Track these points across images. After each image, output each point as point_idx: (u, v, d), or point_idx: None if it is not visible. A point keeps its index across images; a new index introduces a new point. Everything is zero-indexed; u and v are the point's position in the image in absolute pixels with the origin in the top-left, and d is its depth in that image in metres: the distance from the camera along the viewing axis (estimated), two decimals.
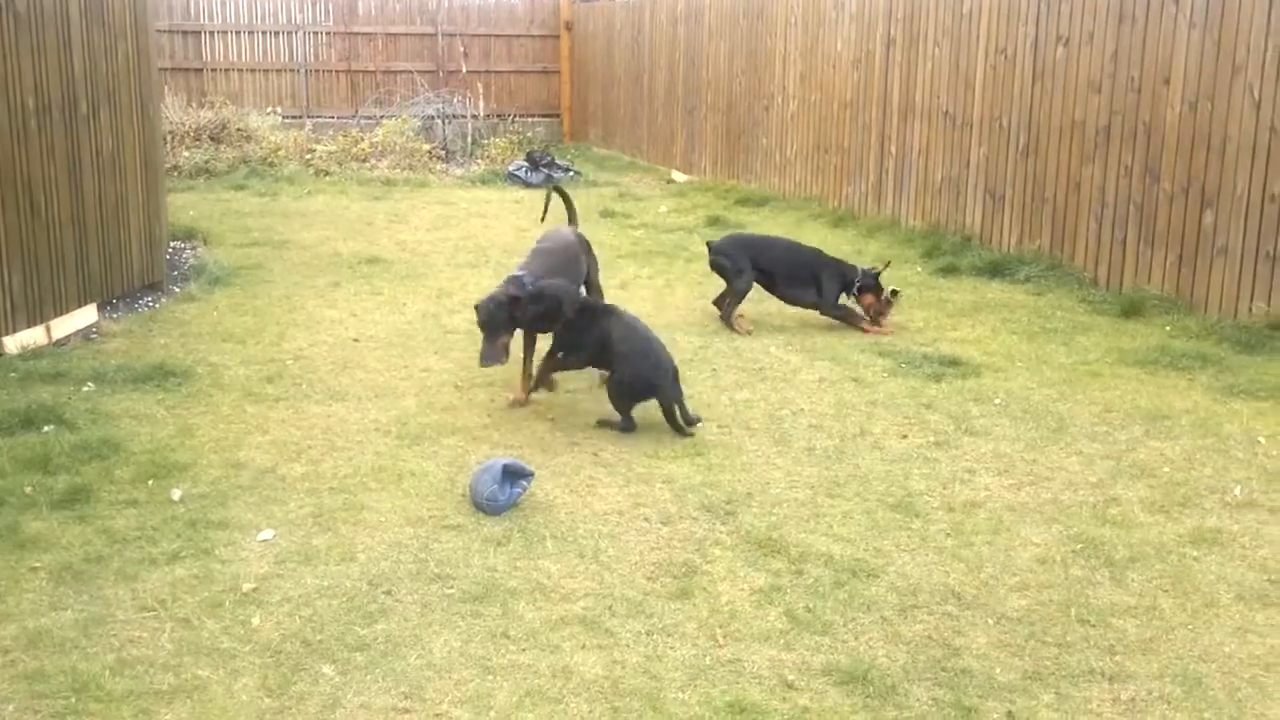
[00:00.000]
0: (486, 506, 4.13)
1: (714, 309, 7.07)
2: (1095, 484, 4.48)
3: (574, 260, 5.92)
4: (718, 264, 7.00)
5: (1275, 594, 3.62)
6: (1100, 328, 6.77)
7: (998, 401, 5.44)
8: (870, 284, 6.77)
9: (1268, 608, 3.53)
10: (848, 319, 6.84)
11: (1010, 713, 2.99)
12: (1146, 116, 7.24)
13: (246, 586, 3.56)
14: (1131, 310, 6.98)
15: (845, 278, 6.88)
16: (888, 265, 7.09)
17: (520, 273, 5.38)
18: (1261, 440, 4.91)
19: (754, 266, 6.91)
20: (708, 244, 7.19)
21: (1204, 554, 3.88)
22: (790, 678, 3.13)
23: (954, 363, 6.04)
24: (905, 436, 4.99)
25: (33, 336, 6.14)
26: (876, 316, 6.78)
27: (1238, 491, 4.38)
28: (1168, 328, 6.67)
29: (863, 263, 8.12)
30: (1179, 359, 6.03)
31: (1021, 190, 8.41)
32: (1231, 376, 5.74)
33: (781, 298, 7.00)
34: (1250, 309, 6.49)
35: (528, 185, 13.48)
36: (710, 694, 3.05)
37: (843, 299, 6.89)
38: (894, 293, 6.84)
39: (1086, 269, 7.76)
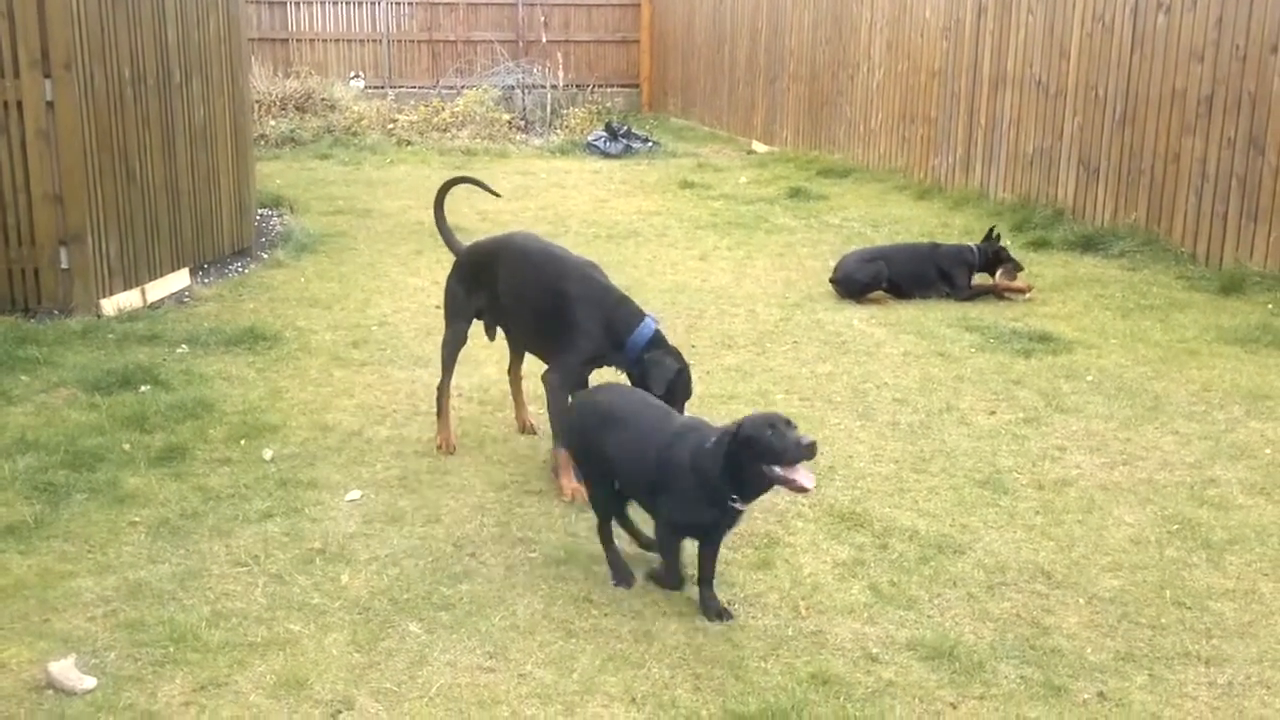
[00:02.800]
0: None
1: (793, 280, 7.00)
2: (1192, 464, 4.34)
3: None
4: (853, 284, 6.80)
5: None
6: (1198, 305, 6.55)
7: (1090, 379, 5.30)
8: (996, 258, 6.89)
9: None
10: (984, 292, 6.84)
11: (1102, 693, 2.92)
12: (1251, 86, 6.96)
13: (316, 545, 3.63)
14: (1232, 287, 6.74)
15: (968, 261, 6.87)
16: (994, 232, 7.11)
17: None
18: None
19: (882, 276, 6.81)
20: (831, 280, 6.97)
21: None
22: (874, 651, 3.10)
23: (1044, 338, 5.90)
24: (993, 413, 4.89)
25: (129, 299, 6.32)
26: (1010, 285, 6.85)
27: None
28: (1270, 305, 6.43)
29: (949, 238, 8.00)
30: None
31: (1117, 162, 8.16)
32: None
33: (909, 297, 6.87)
34: None
35: (606, 156, 13.47)
36: (793, 664, 3.03)
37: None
38: (997, 235, 7.04)
39: (1184, 244, 7.51)
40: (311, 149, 13.00)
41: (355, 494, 4.01)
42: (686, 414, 3.78)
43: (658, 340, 4.02)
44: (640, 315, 4.06)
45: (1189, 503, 4.01)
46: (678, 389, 3.96)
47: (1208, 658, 3.08)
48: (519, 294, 4.25)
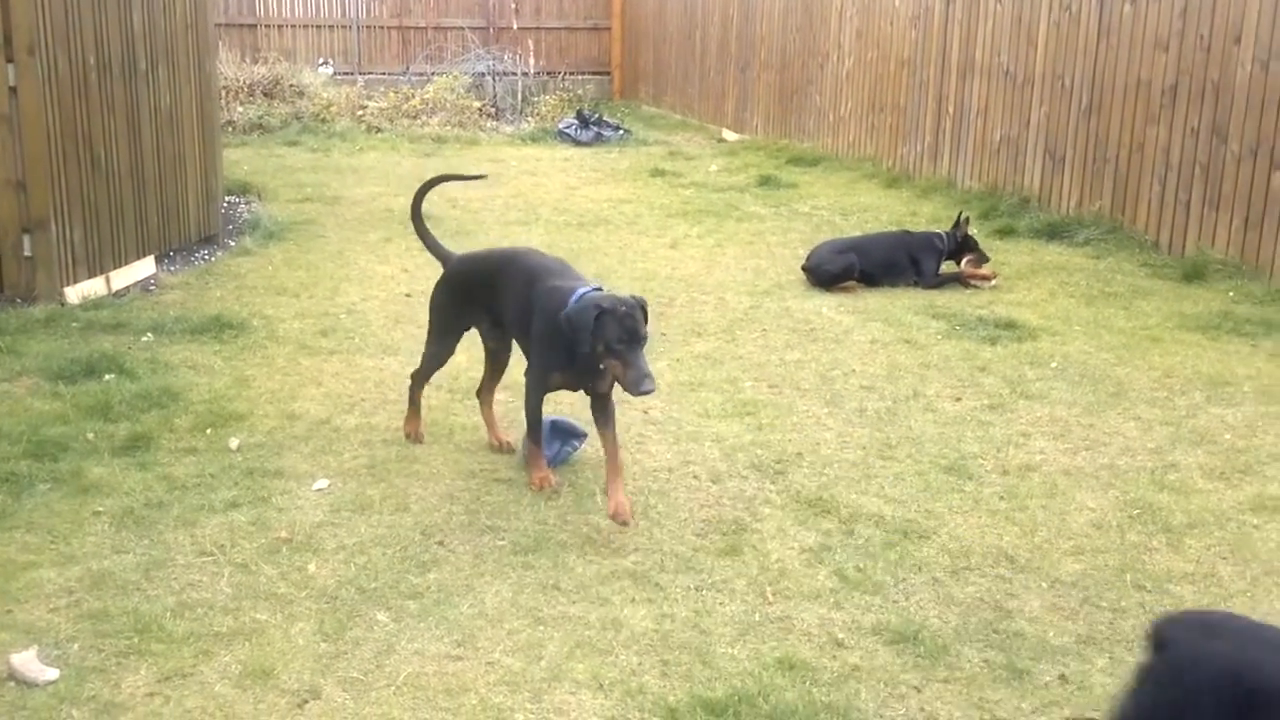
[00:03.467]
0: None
1: (763, 268, 7.02)
2: (1153, 450, 4.40)
3: None
4: (824, 274, 6.78)
5: None
6: (1161, 292, 6.63)
7: (1054, 365, 5.36)
8: (964, 245, 6.98)
9: None
10: (950, 280, 6.89)
11: (1063, 676, 2.96)
12: (1215, 75, 7.04)
13: (283, 533, 3.62)
14: (1194, 274, 6.82)
15: (937, 249, 6.93)
16: (963, 217, 7.15)
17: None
18: None
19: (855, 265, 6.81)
20: (803, 268, 6.94)
21: (1264, 521, 3.81)
22: (840, 636, 3.13)
23: (1010, 326, 5.95)
24: (959, 399, 4.94)
25: (93, 287, 6.25)
26: (976, 272, 6.92)
27: None
28: (1231, 293, 6.52)
29: (917, 225, 8.05)
30: (1242, 324, 5.90)
31: (1083, 151, 8.23)
32: None
33: (878, 284, 6.88)
34: None
35: (577, 143, 13.44)
36: (759, 650, 3.05)
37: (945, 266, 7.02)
38: (966, 220, 7.09)
39: (1148, 232, 7.60)
40: (280, 135, 12.88)
41: (323, 483, 3.99)
42: None
43: (581, 299, 3.68)
44: (569, 294, 3.74)
45: (1150, 487, 4.07)
46: (607, 332, 3.57)
47: None
48: (508, 308, 4.08)
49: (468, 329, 4.33)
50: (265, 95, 14.22)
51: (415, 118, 14.25)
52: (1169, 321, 6.05)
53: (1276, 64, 6.58)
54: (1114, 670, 2.98)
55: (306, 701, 2.79)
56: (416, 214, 4.51)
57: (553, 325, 3.77)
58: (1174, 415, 4.75)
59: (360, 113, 14.12)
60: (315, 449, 4.30)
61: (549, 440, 4.15)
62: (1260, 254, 6.71)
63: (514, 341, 4.26)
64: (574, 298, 3.73)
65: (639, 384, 3.59)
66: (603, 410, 3.86)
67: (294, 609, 3.19)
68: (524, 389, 4.05)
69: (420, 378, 4.41)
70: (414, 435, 4.41)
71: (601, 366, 3.68)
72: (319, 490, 3.94)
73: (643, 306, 3.73)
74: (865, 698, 2.85)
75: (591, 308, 3.62)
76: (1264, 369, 5.29)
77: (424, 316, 6.04)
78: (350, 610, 3.19)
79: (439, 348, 4.35)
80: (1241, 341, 5.70)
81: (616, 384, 3.74)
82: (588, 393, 3.89)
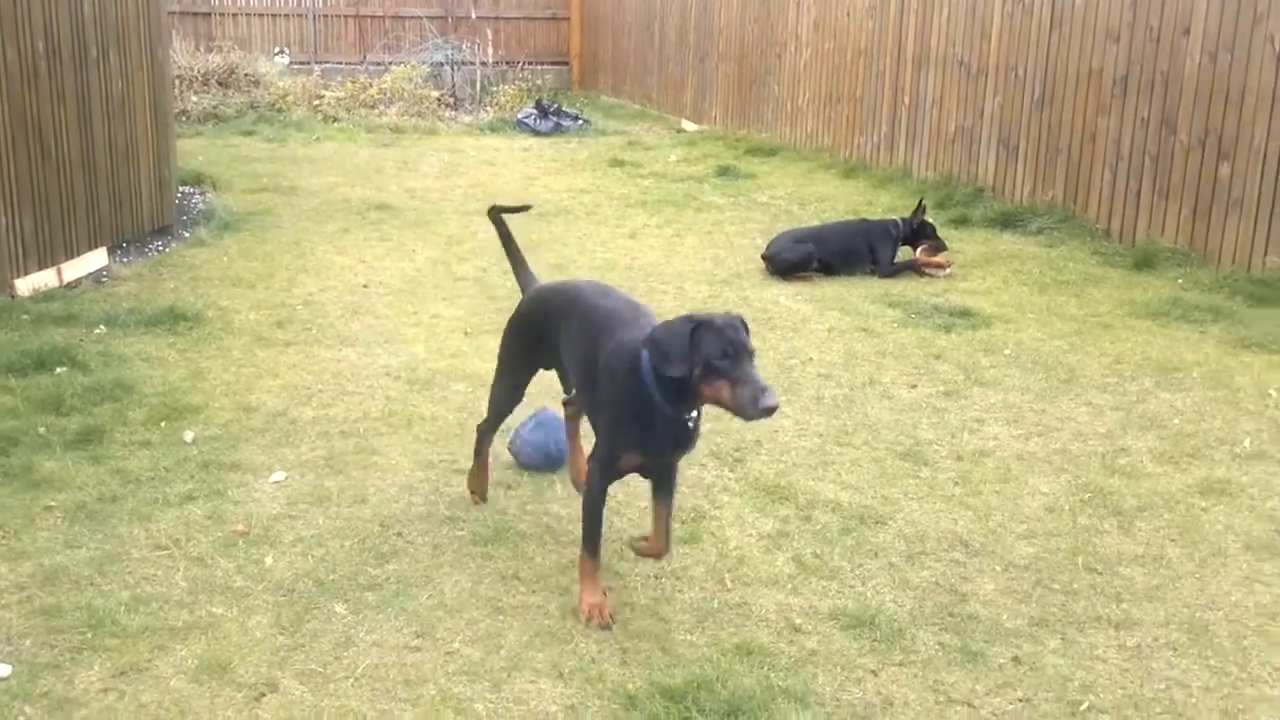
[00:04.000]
0: (512, 445, 4.08)
1: (721, 257, 7.05)
2: (1104, 434, 4.48)
3: None
4: (782, 263, 6.83)
5: None
6: (1112, 280, 6.74)
7: (1008, 352, 5.43)
8: (919, 232, 7.05)
9: (1275, 557, 3.54)
10: (906, 270, 6.95)
11: (1016, 658, 3.01)
12: (1165, 67, 7.15)
13: (240, 527, 3.59)
14: (1144, 262, 6.94)
15: (892, 236, 7.00)
16: (922, 204, 7.22)
17: None
18: (1272, 393, 4.89)
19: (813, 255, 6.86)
20: (762, 257, 7.00)
21: (1212, 504, 3.89)
22: (797, 621, 3.15)
23: (964, 314, 6.03)
24: (914, 386, 4.99)
25: (44, 279, 6.15)
26: (930, 260, 6.98)
27: (1247, 443, 4.38)
28: (1180, 280, 6.64)
29: (874, 214, 8.11)
30: (1191, 311, 6.01)
31: (1036, 141, 8.33)
32: (1243, 329, 5.72)
33: (837, 273, 6.96)
34: (1264, 262, 6.45)
35: (536, 133, 13.40)
36: (718, 636, 3.07)
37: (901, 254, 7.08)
38: (923, 207, 7.17)
39: (1099, 221, 7.71)
40: (235, 125, 12.73)
41: (279, 475, 3.96)
42: None
43: (650, 336, 2.99)
44: (635, 343, 3.05)
45: (1101, 472, 4.14)
46: (707, 348, 2.84)
47: (1118, 621, 3.19)
48: (569, 362, 3.37)
49: (538, 370, 3.65)
50: (220, 85, 14.05)
51: (373, 107, 14.15)
52: (1120, 309, 6.15)
53: (1224, 56, 6.70)
54: (1066, 651, 3.04)
55: (264, 695, 2.78)
56: (506, 239, 3.81)
57: (625, 387, 3.02)
58: (1124, 401, 4.83)
59: (317, 102, 13.99)
60: (272, 441, 4.26)
61: (534, 430, 4.10)
62: (1208, 242, 6.84)
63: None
64: (645, 357, 3.00)
65: (759, 400, 2.78)
66: (669, 478, 3.21)
67: (251, 602, 3.17)
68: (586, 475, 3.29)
69: (486, 427, 3.76)
70: (479, 494, 3.79)
71: (692, 416, 3.04)
72: (276, 483, 3.92)
73: (742, 320, 2.98)
74: (822, 682, 2.88)
75: (683, 321, 2.91)
76: (1212, 354, 5.40)
77: (381, 307, 6.07)
78: (308, 603, 3.18)
79: (502, 390, 3.69)
80: (1190, 328, 5.81)
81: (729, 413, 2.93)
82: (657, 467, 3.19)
